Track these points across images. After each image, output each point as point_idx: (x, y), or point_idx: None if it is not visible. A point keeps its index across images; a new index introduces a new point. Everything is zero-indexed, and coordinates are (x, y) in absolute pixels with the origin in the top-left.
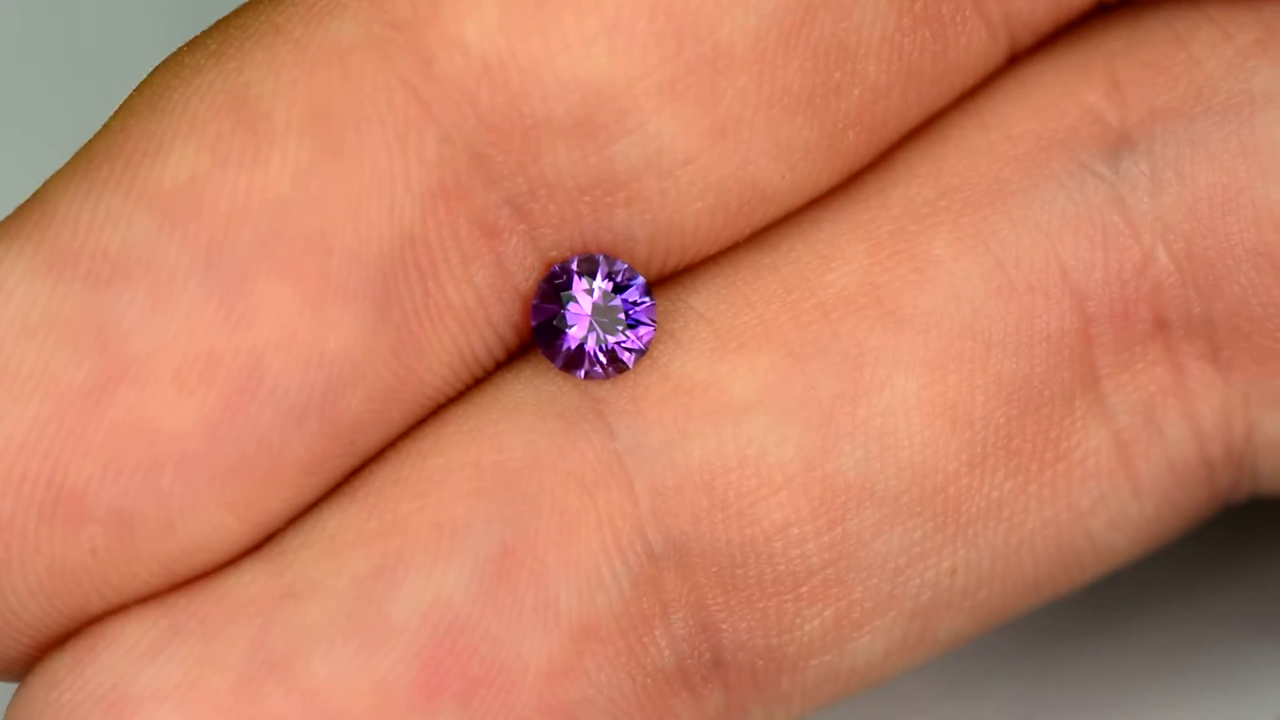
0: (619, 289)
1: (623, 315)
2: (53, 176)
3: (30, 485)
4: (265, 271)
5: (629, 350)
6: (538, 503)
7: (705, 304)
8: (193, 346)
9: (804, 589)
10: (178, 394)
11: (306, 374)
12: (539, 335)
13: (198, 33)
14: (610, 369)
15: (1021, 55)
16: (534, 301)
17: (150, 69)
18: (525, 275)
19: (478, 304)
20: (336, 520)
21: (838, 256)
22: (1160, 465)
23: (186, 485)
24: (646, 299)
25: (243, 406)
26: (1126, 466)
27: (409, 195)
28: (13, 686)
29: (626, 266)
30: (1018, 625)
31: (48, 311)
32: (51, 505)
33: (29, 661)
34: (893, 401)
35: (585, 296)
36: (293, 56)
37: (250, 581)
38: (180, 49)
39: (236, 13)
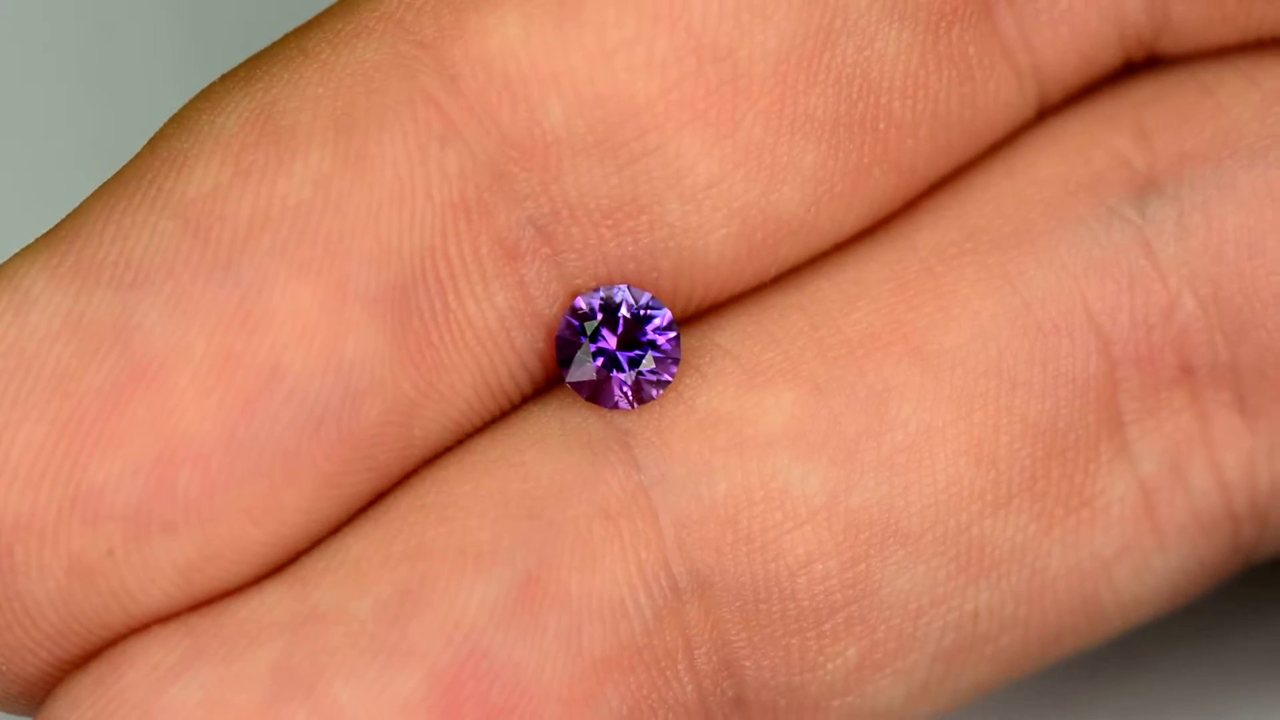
0: (643, 320)
1: (648, 347)
2: (84, 201)
3: (50, 483)
4: (285, 274)
5: (654, 382)
6: (562, 531)
7: (731, 341)
8: (212, 347)
9: (827, 626)
10: (196, 394)
11: (325, 378)
12: (563, 366)
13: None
14: (635, 401)
15: (1050, 111)
16: (558, 331)
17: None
18: (549, 302)
19: (499, 326)
20: (361, 544)
21: (864, 296)
22: (1185, 516)
23: (203, 486)
24: (672, 330)
25: (260, 408)
26: (1151, 516)
27: (429, 206)
28: None
29: (651, 297)
30: (1040, 676)
31: (70, 316)
32: (70, 503)
33: (45, 684)
34: (917, 437)
35: (609, 328)
36: (318, 75)
37: (274, 603)
38: (214, 81)
39: (269, 46)
